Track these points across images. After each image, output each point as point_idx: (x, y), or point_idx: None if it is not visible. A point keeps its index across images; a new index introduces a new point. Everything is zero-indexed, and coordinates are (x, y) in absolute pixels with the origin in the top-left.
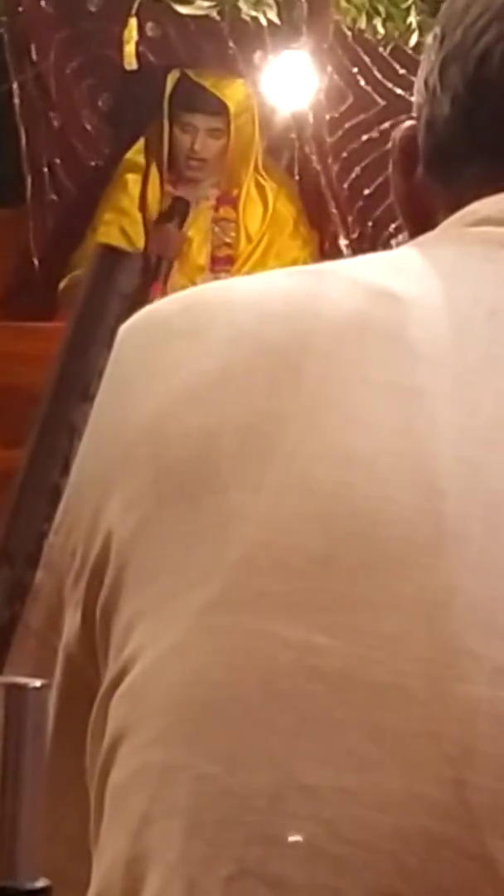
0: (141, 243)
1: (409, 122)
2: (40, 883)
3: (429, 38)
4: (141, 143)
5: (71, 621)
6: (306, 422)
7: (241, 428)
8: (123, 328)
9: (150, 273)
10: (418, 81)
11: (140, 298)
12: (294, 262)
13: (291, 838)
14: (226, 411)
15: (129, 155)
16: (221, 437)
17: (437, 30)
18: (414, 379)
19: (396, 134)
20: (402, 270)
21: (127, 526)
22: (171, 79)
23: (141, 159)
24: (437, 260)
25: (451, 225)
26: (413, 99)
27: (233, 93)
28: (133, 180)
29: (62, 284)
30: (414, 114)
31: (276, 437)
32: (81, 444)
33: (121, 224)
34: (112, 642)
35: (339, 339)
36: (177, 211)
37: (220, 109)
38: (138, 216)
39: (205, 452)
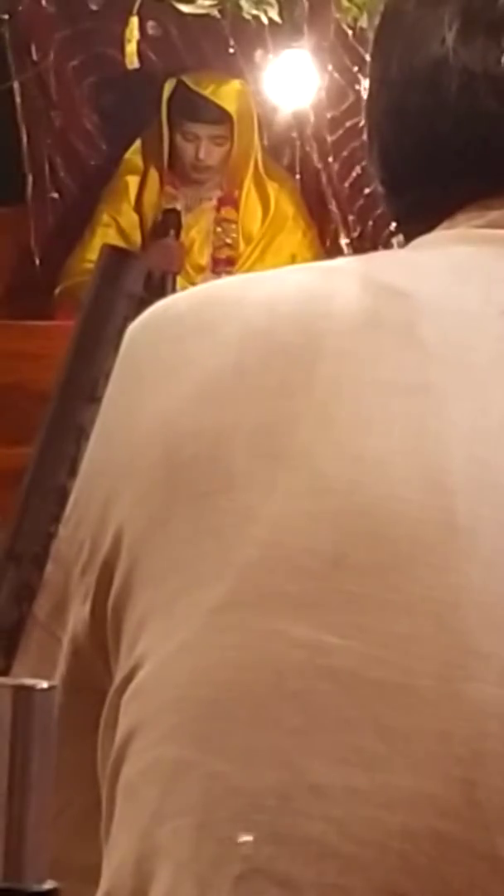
0: (139, 244)
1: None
2: (47, 885)
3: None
4: (138, 144)
5: (78, 614)
6: (318, 422)
7: (253, 427)
8: (136, 324)
9: (157, 289)
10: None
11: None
12: (294, 261)
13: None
14: (238, 411)
15: (127, 155)
16: (233, 436)
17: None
18: (425, 378)
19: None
20: (413, 269)
21: (138, 522)
22: (168, 87)
23: (139, 161)
24: (448, 259)
25: (458, 225)
26: None
27: (233, 98)
28: (133, 182)
29: (62, 284)
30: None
31: (287, 437)
32: (91, 438)
33: (119, 225)
34: (124, 638)
35: (350, 338)
36: (171, 223)
37: (222, 118)
38: (135, 218)
39: (216, 451)
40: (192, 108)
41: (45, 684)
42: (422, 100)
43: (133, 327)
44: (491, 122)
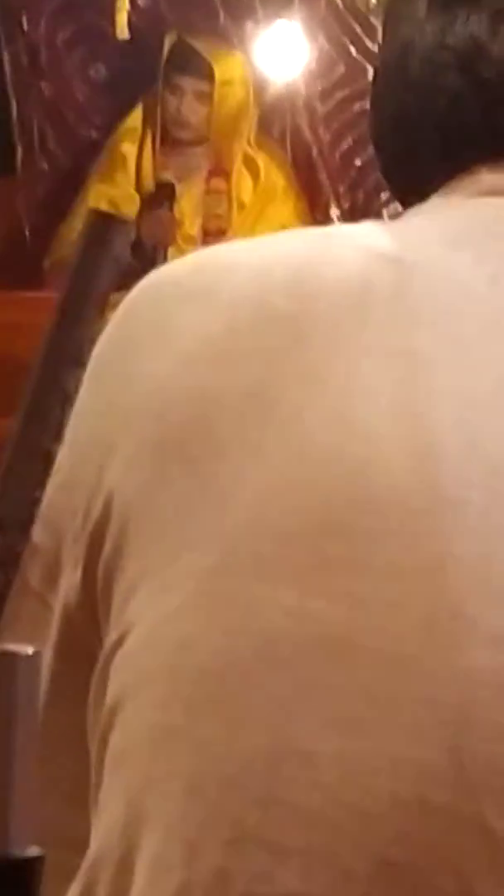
0: (132, 214)
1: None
2: (32, 851)
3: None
4: (139, 111)
5: (70, 580)
6: (307, 387)
7: (243, 393)
8: (133, 290)
9: (148, 259)
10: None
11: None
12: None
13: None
14: (227, 375)
15: (126, 124)
16: (223, 401)
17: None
18: (415, 344)
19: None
20: (406, 236)
21: (128, 487)
22: (169, 41)
23: (138, 128)
24: (441, 226)
25: (451, 193)
26: None
27: (225, 62)
28: (129, 152)
29: (52, 255)
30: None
31: (276, 403)
32: (83, 402)
33: (111, 195)
34: (113, 604)
35: (340, 304)
36: (164, 195)
37: (208, 73)
38: (130, 188)
39: (207, 416)
40: (183, 60)
41: (30, 650)
42: (394, 77)
43: (130, 294)
44: (453, 95)
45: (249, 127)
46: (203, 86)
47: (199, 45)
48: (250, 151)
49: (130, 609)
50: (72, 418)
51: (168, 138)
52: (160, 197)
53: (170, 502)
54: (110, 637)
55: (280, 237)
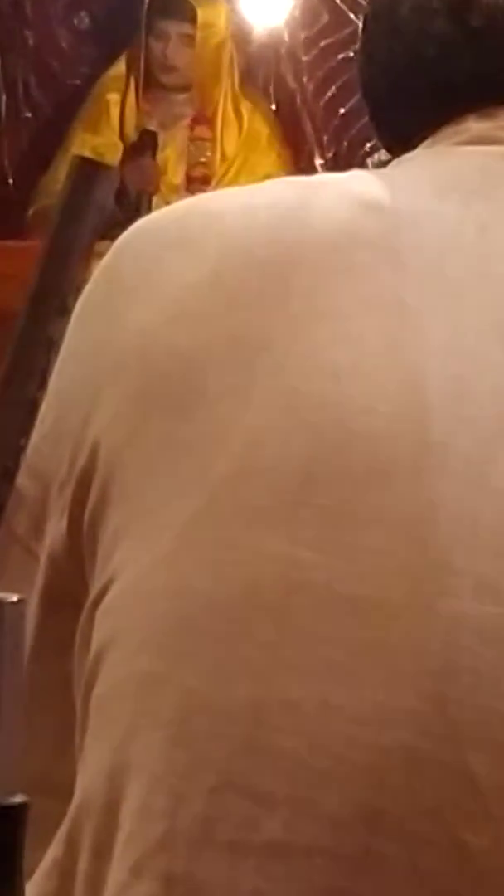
0: (116, 163)
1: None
2: (17, 798)
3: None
4: (122, 60)
5: (56, 529)
6: (293, 335)
7: (229, 341)
8: (120, 239)
9: (132, 208)
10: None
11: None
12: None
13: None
14: (214, 324)
15: (109, 73)
16: (209, 350)
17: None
18: (400, 292)
19: None
20: (393, 184)
21: (114, 436)
22: None
23: (122, 79)
24: (429, 175)
25: (439, 142)
26: None
27: (206, 4)
28: (113, 101)
29: (36, 204)
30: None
31: (262, 350)
32: (69, 350)
33: (94, 144)
34: (99, 552)
35: (326, 251)
36: (147, 144)
37: (192, 16)
38: (114, 137)
39: (193, 365)
40: (165, 4)
41: (14, 597)
42: (384, 23)
43: (117, 242)
44: (442, 42)
45: (232, 73)
46: (187, 28)
47: None
48: (235, 98)
49: (116, 557)
50: (57, 367)
51: (152, 86)
52: (143, 145)
53: (155, 451)
54: (96, 585)
55: (266, 185)
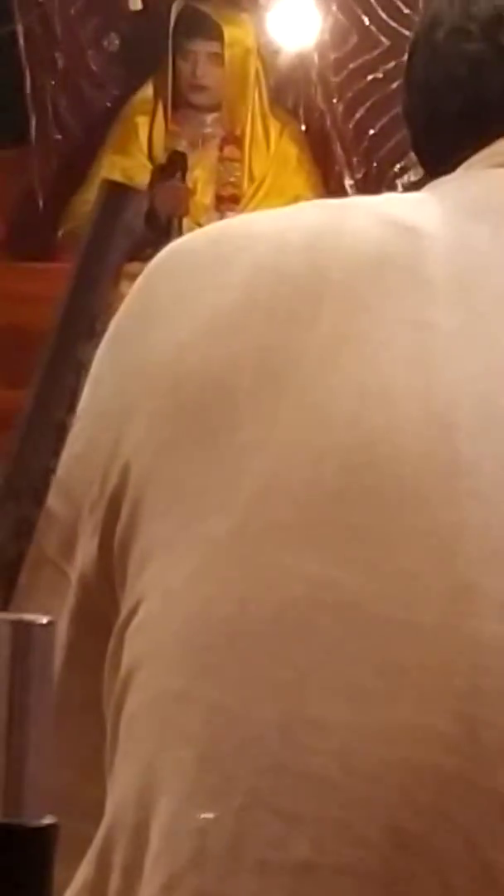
0: (144, 184)
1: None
2: (46, 820)
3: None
4: (150, 83)
5: (86, 549)
6: (322, 355)
7: (259, 361)
8: (153, 260)
9: (162, 231)
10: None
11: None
12: (297, 201)
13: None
14: (244, 345)
15: (138, 96)
16: (239, 370)
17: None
18: (430, 314)
19: None
20: (425, 206)
21: (145, 456)
22: (176, 8)
23: (150, 101)
24: (461, 198)
25: (474, 165)
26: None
27: (231, 21)
28: (142, 123)
29: (65, 226)
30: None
31: (292, 371)
32: (101, 371)
33: (124, 165)
34: (129, 572)
35: (357, 273)
36: (177, 165)
37: (219, 34)
38: (143, 158)
39: (223, 385)
40: (192, 24)
41: (44, 619)
42: (424, 48)
43: (149, 265)
44: (475, 61)
45: (259, 89)
46: (215, 47)
47: (207, 8)
48: (264, 118)
49: (146, 576)
50: (88, 388)
51: (181, 106)
52: (172, 167)
53: (186, 470)
54: (125, 605)
55: (298, 208)
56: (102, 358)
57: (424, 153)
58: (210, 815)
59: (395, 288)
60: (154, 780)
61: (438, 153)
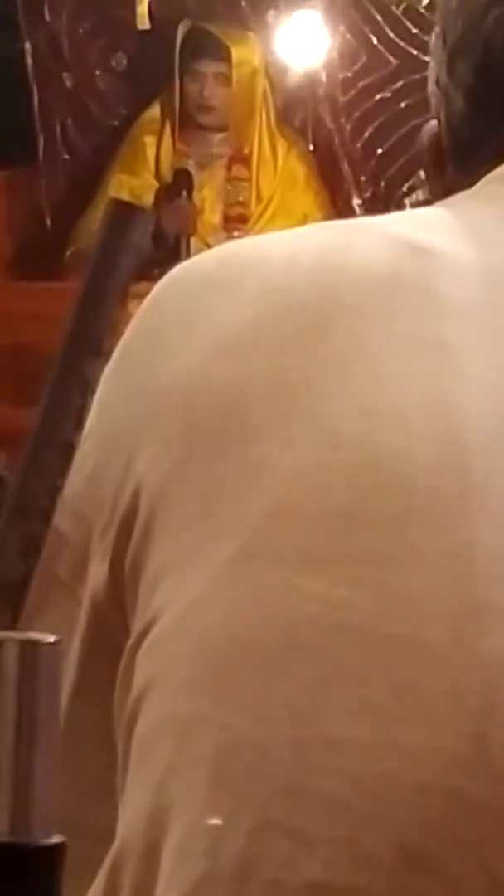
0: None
1: (433, 122)
2: (55, 839)
3: (432, 39)
4: (157, 103)
5: (98, 571)
6: (333, 375)
7: (270, 382)
8: (161, 282)
9: (170, 251)
10: (431, 84)
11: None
12: (305, 221)
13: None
14: (255, 365)
15: (145, 115)
16: (250, 390)
17: (438, 29)
18: (442, 333)
19: (424, 136)
20: (435, 226)
21: (156, 478)
22: (182, 30)
23: (157, 121)
24: (471, 217)
25: (487, 184)
26: (427, 60)
27: (238, 41)
28: (150, 143)
29: (73, 245)
30: (433, 115)
31: (303, 391)
32: (110, 394)
33: (132, 185)
34: (140, 593)
35: (367, 293)
36: (182, 183)
37: (226, 55)
38: (151, 178)
39: (234, 406)
40: (199, 44)
41: (51, 639)
42: (466, 48)
43: (157, 286)
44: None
45: (266, 109)
46: (222, 67)
47: (214, 28)
48: (271, 138)
49: (157, 597)
50: (95, 409)
51: (188, 126)
52: (178, 185)
53: (196, 491)
54: (137, 626)
55: (307, 229)
56: (110, 379)
57: (467, 163)
58: (219, 822)
59: (406, 308)
60: (166, 801)
61: (483, 163)
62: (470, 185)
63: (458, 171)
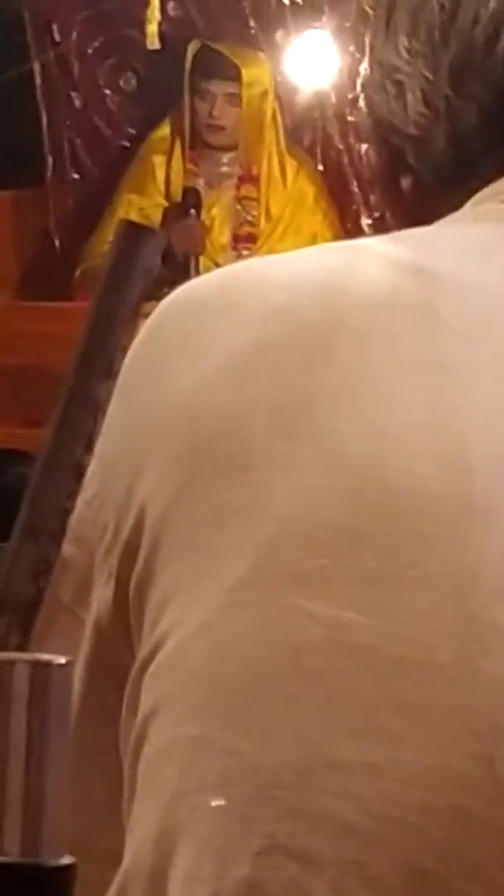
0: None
1: (372, 147)
2: (65, 860)
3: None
4: (167, 123)
5: (102, 595)
6: (337, 398)
7: (273, 405)
8: (162, 305)
9: (180, 270)
10: (417, 104)
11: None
12: (314, 240)
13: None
14: (258, 388)
15: (155, 135)
16: (254, 414)
17: (409, 45)
18: (445, 354)
19: (375, 160)
20: (436, 246)
21: (160, 502)
22: (192, 49)
23: (167, 140)
24: (471, 236)
25: (481, 202)
26: None
27: (248, 62)
28: (159, 162)
29: (82, 265)
30: (411, 130)
31: (306, 414)
32: (112, 417)
33: (141, 205)
34: (146, 618)
35: (370, 315)
36: (190, 202)
37: (236, 75)
38: (160, 198)
39: (237, 429)
40: (209, 64)
41: (62, 660)
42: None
43: (159, 308)
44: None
45: (275, 129)
46: (232, 87)
47: (223, 48)
48: (280, 157)
49: (163, 622)
50: (102, 433)
51: (198, 145)
52: (187, 204)
53: (201, 515)
54: (142, 651)
55: (308, 251)
56: (113, 404)
57: (456, 180)
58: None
59: (409, 330)
60: (172, 825)
61: (477, 179)
62: (457, 206)
63: (445, 189)
